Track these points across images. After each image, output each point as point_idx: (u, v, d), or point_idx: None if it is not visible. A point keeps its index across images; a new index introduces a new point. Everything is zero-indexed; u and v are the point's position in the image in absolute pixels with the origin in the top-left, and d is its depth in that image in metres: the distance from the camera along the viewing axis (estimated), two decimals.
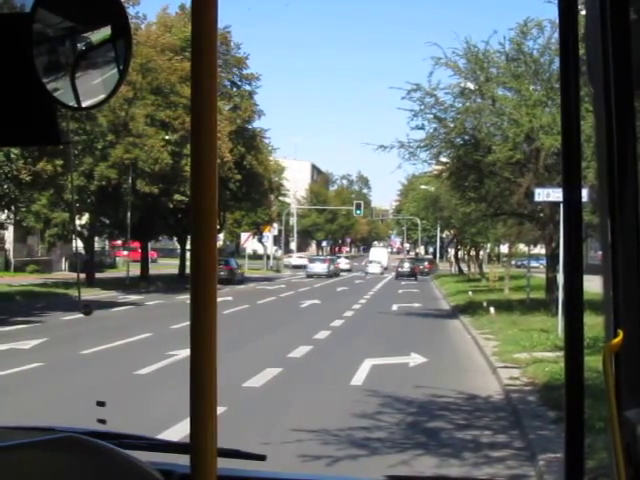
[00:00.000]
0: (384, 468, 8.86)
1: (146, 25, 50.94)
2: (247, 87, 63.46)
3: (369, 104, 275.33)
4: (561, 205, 19.95)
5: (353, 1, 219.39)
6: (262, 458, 2.54)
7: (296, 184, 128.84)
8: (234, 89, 62.78)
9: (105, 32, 1.70)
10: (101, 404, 2.80)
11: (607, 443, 1.48)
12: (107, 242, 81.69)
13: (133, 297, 41.98)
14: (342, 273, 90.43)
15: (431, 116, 29.80)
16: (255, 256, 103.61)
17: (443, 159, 31.73)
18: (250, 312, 34.39)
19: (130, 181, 44.42)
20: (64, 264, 71.66)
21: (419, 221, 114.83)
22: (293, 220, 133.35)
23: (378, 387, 15.42)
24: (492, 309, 29.84)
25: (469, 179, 31.90)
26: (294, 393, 15.03)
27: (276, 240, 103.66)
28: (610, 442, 1.48)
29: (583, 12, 1.64)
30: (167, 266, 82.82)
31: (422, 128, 29.95)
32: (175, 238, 67.69)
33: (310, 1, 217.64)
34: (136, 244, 57.90)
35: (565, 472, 1.56)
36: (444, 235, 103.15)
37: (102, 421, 2.65)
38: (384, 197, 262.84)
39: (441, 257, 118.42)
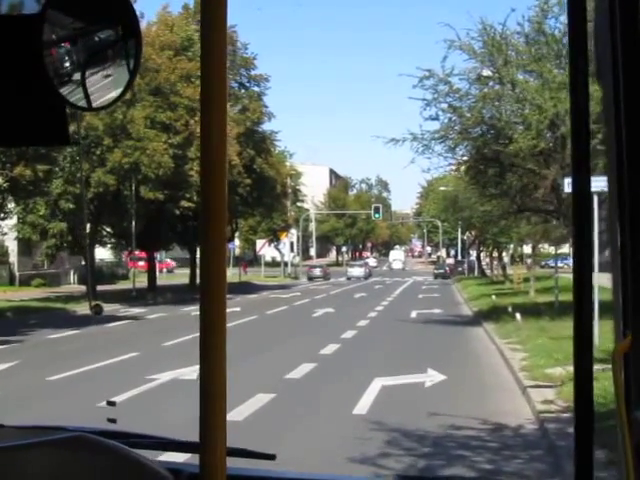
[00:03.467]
0: None
1: (146, 25, 48.70)
2: (256, 88, 61.03)
3: (388, 106, 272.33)
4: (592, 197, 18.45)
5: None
6: (272, 457, 2.53)
7: (314, 189, 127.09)
8: (242, 90, 60.38)
9: (115, 32, 1.71)
10: (111, 404, 3.01)
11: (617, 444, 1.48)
12: (121, 253, 79.38)
13: (136, 310, 39.56)
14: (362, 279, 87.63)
15: (445, 105, 27.26)
16: (274, 263, 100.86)
17: (460, 152, 29.13)
18: (256, 324, 31.88)
19: (133, 187, 42.10)
20: (72, 277, 69.41)
21: (440, 223, 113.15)
22: (312, 226, 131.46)
23: (386, 416, 12.86)
24: (518, 315, 27.08)
25: (489, 173, 29.32)
26: (282, 427, 12.43)
27: (294, 246, 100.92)
28: (620, 442, 1.47)
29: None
30: (184, 276, 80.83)
31: (436, 118, 27.46)
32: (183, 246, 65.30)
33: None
34: (148, 254, 55.69)
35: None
36: (465, 237, 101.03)
37: (112, 420, 2.66)
38: (404, 200, 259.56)
39: (463, 259, 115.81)
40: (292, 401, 14.72)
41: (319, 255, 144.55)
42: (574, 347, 1.50)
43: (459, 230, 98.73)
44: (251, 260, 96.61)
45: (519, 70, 26.22)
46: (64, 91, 1.68)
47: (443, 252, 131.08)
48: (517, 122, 26.03)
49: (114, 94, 1.73)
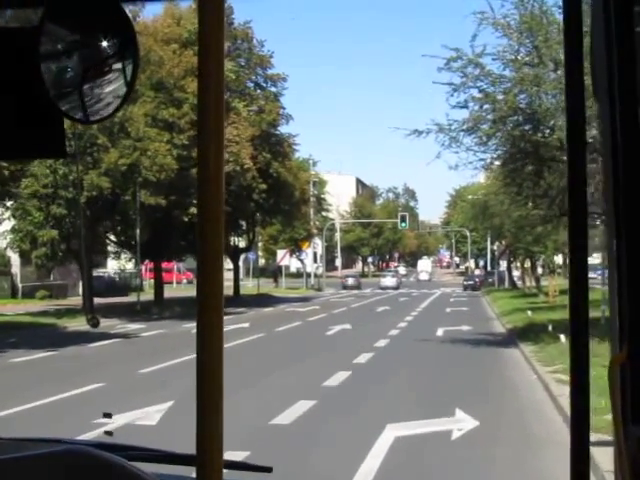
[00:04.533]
0: None
1: (152, 18, 45.24)
2: (272, 89, 57.38)
3: (415, 113, 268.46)
4: None
5: None
6: (268, 470, 2.61)
7: (340, 199, 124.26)
8: (258, 91, 56.76)
9: (112, 45, 1.70)
10: (108, 415, 3.22)
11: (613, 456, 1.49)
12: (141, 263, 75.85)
13: (133, 326, 35.89)
14: (387, 290, 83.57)
15: (476, 90, 23.36)
16: (299, 274, 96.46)
17: (493, 145, 25.04)
18: (259, 344, 28.09)
19: (137, 191, 38.45)
20: (82, 288, 65.88)
21: (468, 233, 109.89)
22: (337, 236, 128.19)
23: None
24: (562, 336, 22.91)
25: (526, 170, 25.32)
26: None
27: (317, 257, 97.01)
28: (616, 455, 1.49)
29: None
30: None
31: (465, 106, 23.52)
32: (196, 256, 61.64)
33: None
34: (168, 264, 52.11)
35: None
36: (495, 247, 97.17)
37: (109, 433, 2.85)
38: (432, 210, 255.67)
39: (492, 269, 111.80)
40: (270, 462, 10.87)
41: (344, 266, 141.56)
42: (570, 357, 1.50)
43: (488, 240, 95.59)
44: (275, 271, 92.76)
45: (562, 47, 22.23)
46: (61, 104, 1.68)
47: (471, 263, 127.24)
48: (560, 108, 22.04)
49: (111, 106, 1.73)
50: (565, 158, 1.49)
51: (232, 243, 63.80)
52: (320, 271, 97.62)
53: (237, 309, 48.83)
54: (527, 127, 23.33)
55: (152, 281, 69.13)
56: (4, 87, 1.73)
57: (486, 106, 23.46)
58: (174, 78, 39.34)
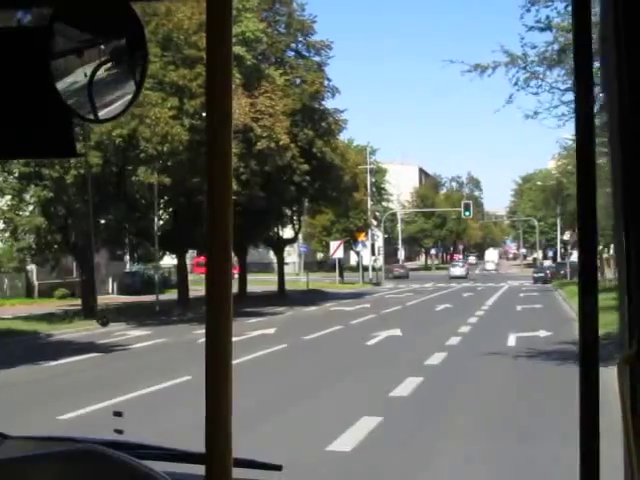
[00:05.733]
0: None
1: None
2: (316, 58, 50.71)
3: (479, 101, 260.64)
4: None
5: None
6: (278, 468, 2.60)
7: (402, 189, 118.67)
8: (299, 60, 50.14)
9: (121, 44, 1.71)
10: (118, 414, 3.01)
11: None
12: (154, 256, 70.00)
13: (135, 333, 29.71)
14: (451, 284, 76.57)
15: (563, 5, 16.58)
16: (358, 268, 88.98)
17: None
18: (274, 361, 21.43)
19: (152, 171, 32.21)
20: (111, 286, 59.92)
21: (536, 222, 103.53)
22: (398, 227, 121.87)
23: None
24: None
25: None
26: None
27: (375, 248, 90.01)
28: (625, 452, 1.47)
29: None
30: (254, 282, 71.62)
31: (547, 28, 16.59)
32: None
33: None
34: (180, 256, 45.91)
35: None
36: (566, 236, 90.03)
37: (119, 431, 2.76)
38: (497, 200, 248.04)
39: (563, 261, 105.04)
40: None
41: (407, 259, 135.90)
42: (580, 352, 1.50)
43: (558, 228, 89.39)
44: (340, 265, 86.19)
45: None
46: (71, 103, 1.69)
47: (539, 254, 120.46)
48: None
49: (121, 105, 1.72)
50: None
51: (275, 233, 57.27)
52: (379, 264, 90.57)
53: (276, 308, 42.43)
54: None
55: (200, 277, 63.28)
56: (14, 86, 1.75)
57: None
58: (185, 32, 32.75)
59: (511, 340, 25.33)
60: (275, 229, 57.07)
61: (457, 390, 16.49)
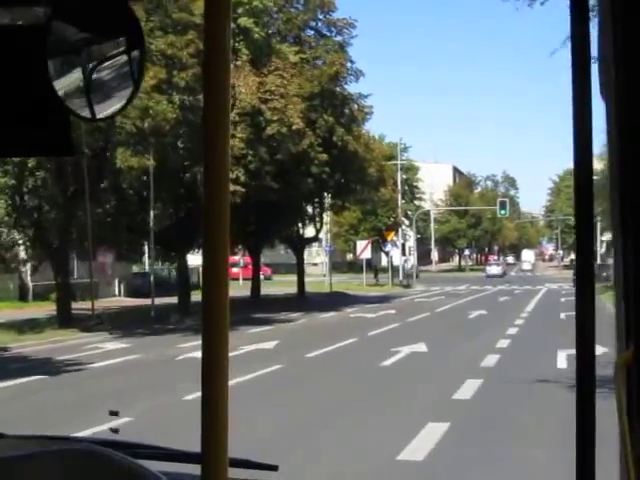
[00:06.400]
0: None
1: None
2: (338, 37, 45.92)
3: (515, 97, 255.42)
4: None
5: None
6: (274, 468, 2.55)
7: (433, 188, 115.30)
8: (319, 40, 45.42)
9: (119, 43, 1.69)
10: (114, 413, 3.08)
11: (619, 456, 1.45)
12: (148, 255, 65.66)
13: (111, 346, 25.39)
14: (486, 287, 71.53)
15: None
16: (394, 269, 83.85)
17: None
18: (260, 392, 16.63)
19: (148, 157, 27.74)
20: (117, 288, 55.46)
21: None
22: (431, 227, 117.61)
23: None
24: None
25: None
26: None
27: (406, 248, 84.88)
28: (621, 456, 1.44)
29: None
30: (278, 284, 66.92)
31: None
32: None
33: None
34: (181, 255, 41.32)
35: None
36: (605, 237, 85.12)
37: (115, 430, 2.77)
38: (534, 200, 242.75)
39: (604, 263, 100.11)
40: None
41: (440, 259, 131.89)
42: (577, 357, 1.46)
43: (598, 228, 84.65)
44: (374, 266, 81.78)
45: None
46: (68, 101, 1.66)
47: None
48: None
49: (118, 104, 1.71)
50: None
51: (294, 232, 52.66)
52: (409, 265, 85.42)
53: (290, 314, 37.88)
54: None
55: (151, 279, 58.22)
56: (11, 85, 1.74)
57: None
58: None
59: (561, 360, 20.46)
60: (295, 227, 52.47)
61: (492, 444, 11.66)
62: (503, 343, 24.98)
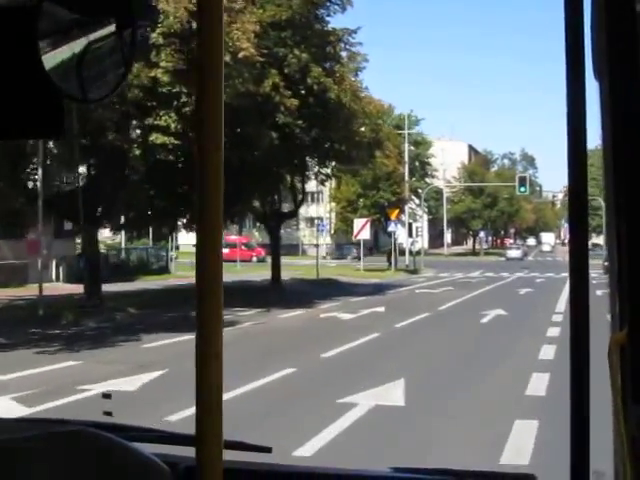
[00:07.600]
0: None
1: None
2: None
3: (533, 68, 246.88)
4: None
5: None
6: (268, 450, 2.56)
7: (450, 167, 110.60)
8: None
9: (110, 25, 1.69)
10: (107, 396, 3.11)
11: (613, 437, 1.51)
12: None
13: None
14: (503, 274, 61.48)
15: None
16: (402, 251, 73.67)
17: None
18: None
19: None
20: (55, 271, 45.49)
21: (602, 202, 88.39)
22: (443, 207, 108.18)
23: None
24: None
25: None
26: None
27: (413, 229, 74.47)
28: (616, 436, 1.51)
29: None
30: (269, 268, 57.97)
31: None
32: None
33: None
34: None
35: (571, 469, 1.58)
36: None
37: (108, 413, 2.78)
38: (554, 180, 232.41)
39: None
40: None
41: (454, 242, 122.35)
42: (570, 340, 1.54)
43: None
44: (371, 248, 72.81)
45: None
46: (60, 83, 1.64)
47: (601, 239, 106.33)
48: None
49: (110, 85, 1.71)
50: None
51: (261, 206, 42.80)
52: (417, 248, 75.01)
53: (244, 312, 28.19)
54: None
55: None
56: (1, 66, 1.70)
57: None
58: None
59: None
60: (268, 199, 42.54)
61: None
62: (539, 383, 14.88)
